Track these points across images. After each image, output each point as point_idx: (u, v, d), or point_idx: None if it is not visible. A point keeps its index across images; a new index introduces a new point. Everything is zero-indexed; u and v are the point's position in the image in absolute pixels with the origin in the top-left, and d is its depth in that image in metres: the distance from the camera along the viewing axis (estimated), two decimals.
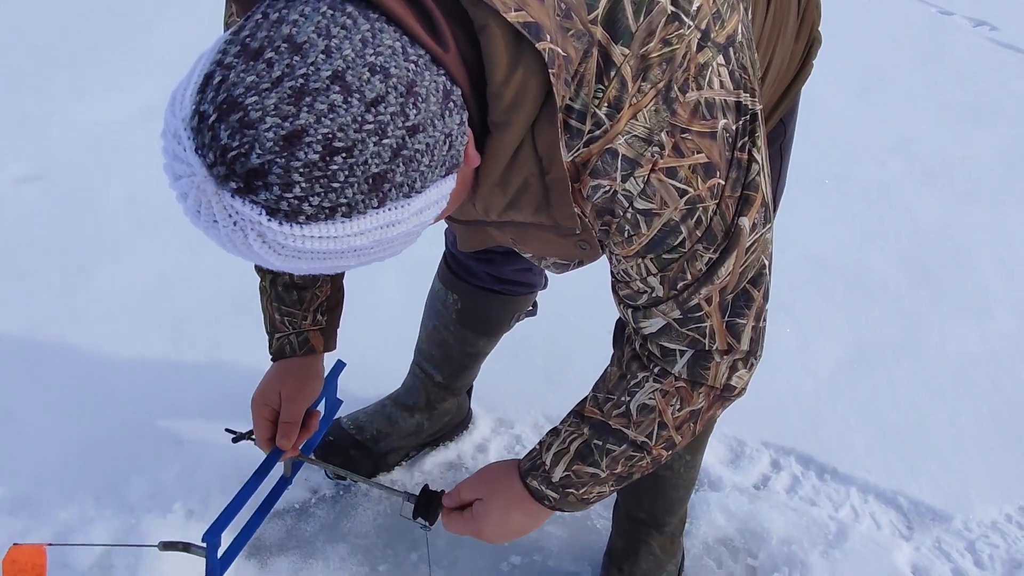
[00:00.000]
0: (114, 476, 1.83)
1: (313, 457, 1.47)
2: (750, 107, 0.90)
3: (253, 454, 1.89)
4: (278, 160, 0.67)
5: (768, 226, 0.96)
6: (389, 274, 2.20)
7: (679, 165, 0.85)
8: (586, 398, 1.16)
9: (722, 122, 0.87)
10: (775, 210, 1.35)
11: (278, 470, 1.49)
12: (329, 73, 0.68)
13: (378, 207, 0.72)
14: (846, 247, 2.66)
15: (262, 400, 1.36)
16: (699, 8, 0.85)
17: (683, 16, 0.83)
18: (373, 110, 0.69)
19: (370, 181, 0.70)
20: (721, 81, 0.86)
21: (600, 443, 1.12)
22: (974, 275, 2.57)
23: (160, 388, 2.08)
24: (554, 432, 1.18)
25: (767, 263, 0.99)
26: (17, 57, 3.58)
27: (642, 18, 0.81)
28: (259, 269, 1.33)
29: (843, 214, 2.82)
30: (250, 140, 0.67)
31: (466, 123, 0.77)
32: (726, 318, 0.99)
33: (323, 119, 0.67)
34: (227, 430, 1.45)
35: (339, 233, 0.71)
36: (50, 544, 1.29)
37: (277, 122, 0.67)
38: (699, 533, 1.82)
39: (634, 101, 0.82)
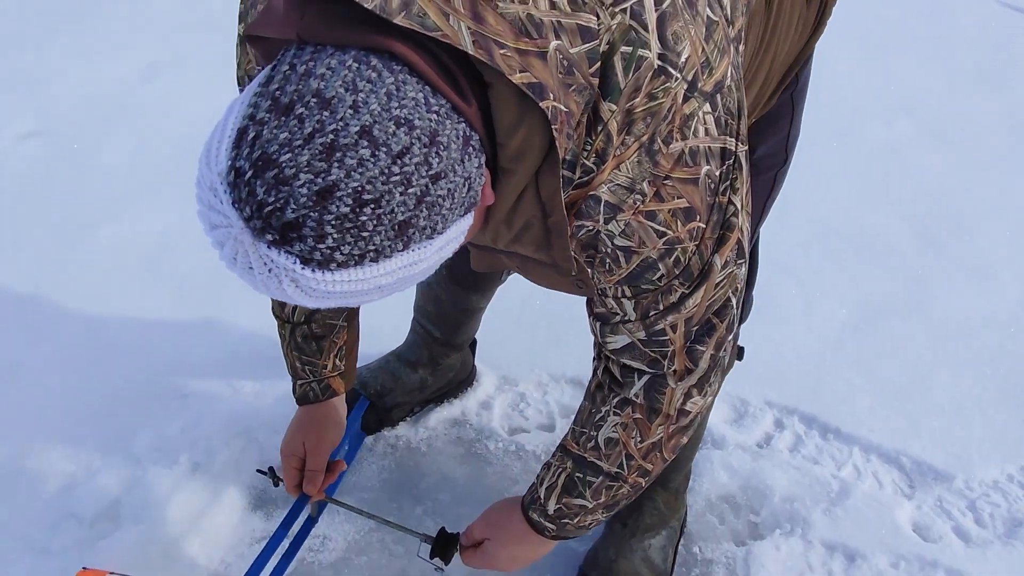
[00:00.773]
0: (120, 430, 1.85)
1: (338, 499, 1.59)
2: (734, 151, 0.93)
3: (254, 407, 1.90)
4: (312, 214, 0.70)
5: (740, 261, 1.01)
6: None
7: (659, 209, 0.90)
8: (568, 431, 1.24)
9: (705, 168, 0.90)
10: (787, 162, 1.36)
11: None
12: (357, 128, 0.70)
13: (403, 250, 0.75)
14: (852, 208, 2.65)
15: (289, 451, 1.46)
16: (687, 59, 0.87)
17: (670, 69, 0.85)
18: (399, 162, 0.72)
19: (396, 228, 0.73)
20: (706, 128, 0.90)
21: (581, 476, 1.21)
22: (979, 237, 2.56)
23: (164, 344, 2.09)
24: (546, 466, 1.27)
25: (733, 298, 1.04)
26: (19, 15, 3.56)
27: (631, 74, 0.84)
28: (278, 317, 1.40)
29: (849, 175, 2.80)
30: (285, 196, 0.69)
31: (484, 165, 0.80)
32: (687, 343, 1.05)
33: (353, 173, 0.70)
34: (258, 471, 1.59)
35: (367, 276, 0.74)
36: (111, 573, 1.44)
37: (310, 178, 0.69)
38: (702, 490, 1.83)
39: (617, 153, 0.86)
